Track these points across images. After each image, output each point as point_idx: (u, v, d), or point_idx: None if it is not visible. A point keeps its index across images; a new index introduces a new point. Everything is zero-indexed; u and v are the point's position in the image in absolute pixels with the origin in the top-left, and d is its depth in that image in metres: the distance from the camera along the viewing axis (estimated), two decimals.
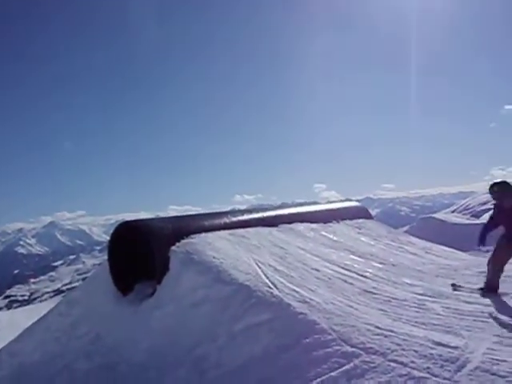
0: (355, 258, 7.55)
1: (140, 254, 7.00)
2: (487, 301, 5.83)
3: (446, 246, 10.48)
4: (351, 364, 4.06)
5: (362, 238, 9.11)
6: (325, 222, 9.31)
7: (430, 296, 5.96)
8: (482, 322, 5.02)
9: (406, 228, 22.24)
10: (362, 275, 6.62)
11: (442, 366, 3.84)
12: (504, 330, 4.75)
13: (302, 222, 8.84)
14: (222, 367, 4.70)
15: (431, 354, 4.05)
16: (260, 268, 6.00)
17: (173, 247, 6.44)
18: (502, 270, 6.42)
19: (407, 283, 6.55)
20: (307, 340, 4.49)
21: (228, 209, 9.29)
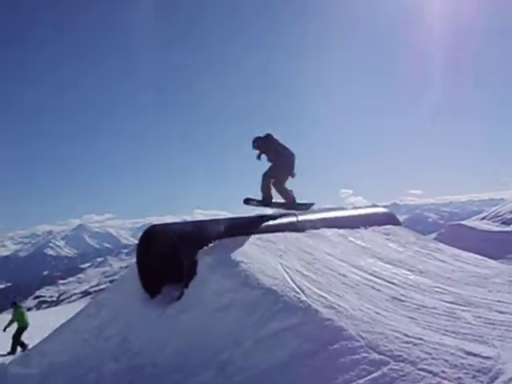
0: (383, 264, 7.45)
1: (168, 258, 7.06)
2: None
3: (475, 253, 10.25)
4: (379, 372, 4.00)
5: (390, 245, 8.98)
6: (352, 228, 9.21)
7: (460, 304, 5.83)
8: None
9: (433, 235, 21.91)
10: (390, 282, 6.52)
11: (473, 377, 3.75)
12: None
13: (329, 227, 8.77)
14: (248, 372, 4.69)
15: (462, 363, 3.97)
16: (287, 273, 5.98)
17: (201, 251, 6.47)
18: (269, 187, 9.01)
19: (436, 291, 6.43)
20: (334, 346, 4.45)
21: (254, 213, 9.32)
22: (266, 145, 9.06)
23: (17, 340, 12.21)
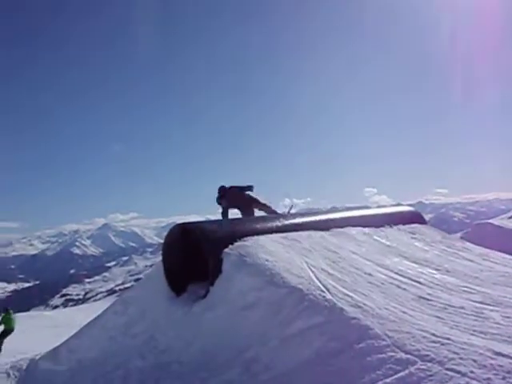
0: (409, 263, 7.37)
1: (193, 256, 7.11)
2: None
3: (503, 252, 10.06)
4: (406, 371, 3.97)
5: (416, 244, 8.88)
6: (377, 227, 9.14)
7: (488, 304, 5.74)
8: None
9: (459, 234, 21.57)
10: (416, 281, 6.45)
11: (503, 378, 3.68)
12: None
13: (354, 226, 8.71)
14: (273, 370, 4.70)
15: (491, 364, 3.90)
16: (312, 272, 5.97)
17: (226, 249, 6.49)
18: None
19: (464, 290, 6.34)
20: (360, 345, 4.43)
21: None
22: (232, 198, 9.53)
23: (0, 341, 12.92)
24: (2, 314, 13.55)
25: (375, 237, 8.56)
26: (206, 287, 6.39)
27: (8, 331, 13.06)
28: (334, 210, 12.19)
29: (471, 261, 8.37)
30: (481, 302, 5.78)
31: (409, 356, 4.13)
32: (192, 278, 7.12)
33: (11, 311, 13.68)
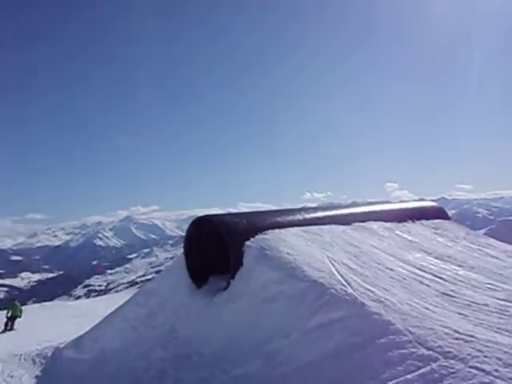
0: (432, 259, 7.31)
1: (215, 248, 7.14)
2: None
3: None
4: (428, 367, 3.94)
5: (439, 239, 8.80)
6: (399, 222, 9.07)
7: None
8: None
9: (483, 230, 21.29)
10: (439, 277, 6.39)
11: None
12: None
13: (375, 220, 8.66)
14: (295, 362, 4.72)
15: None
16: (334, 266, 5.95)
17: (247, 242, 6.52)
18: None
19: (488, 287, 6.25)
20: (382, 340, 4.41)
21: (298, 206, 9.38)
22: None
23: (5, 323, 14.57)
24: (13, 304, 15.42)
25: (397, 232, 8.49)
26: (227, 280, 6.42)
27: (14, 317, 14.83)
28: (355, 204, 12.11)
29: (495, 257, 8.24)
30: (505, 300, 5.70)
31: (431, 352, 4.10)
32: (213, 271, 7.15)
33: (17, 303, 15.56)
